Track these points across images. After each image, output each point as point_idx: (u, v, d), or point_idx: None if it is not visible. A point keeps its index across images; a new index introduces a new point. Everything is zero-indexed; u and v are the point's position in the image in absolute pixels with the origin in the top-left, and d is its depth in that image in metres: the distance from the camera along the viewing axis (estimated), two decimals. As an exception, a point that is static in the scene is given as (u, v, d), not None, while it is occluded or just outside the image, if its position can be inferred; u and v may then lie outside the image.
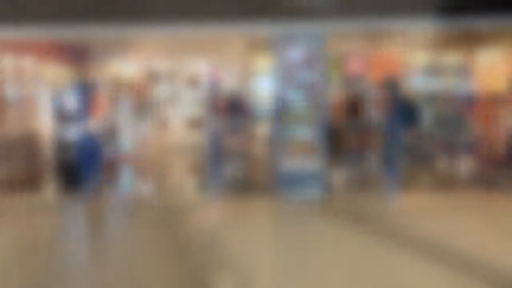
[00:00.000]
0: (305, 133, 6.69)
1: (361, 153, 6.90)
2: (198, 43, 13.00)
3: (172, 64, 13.63)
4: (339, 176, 6.98)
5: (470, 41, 8.90)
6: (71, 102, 7.97)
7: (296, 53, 6.62)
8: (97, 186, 6.33)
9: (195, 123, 13.24)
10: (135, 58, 13.41)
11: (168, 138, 12.20)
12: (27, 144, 9.87)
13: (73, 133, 7.93)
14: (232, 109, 8.21)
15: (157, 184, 8.09)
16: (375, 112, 6.73)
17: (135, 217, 6.24)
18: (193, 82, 13.69)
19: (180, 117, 13.41)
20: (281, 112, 6.65)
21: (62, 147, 7.86)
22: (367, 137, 6.97)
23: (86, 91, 7.88)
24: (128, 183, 8.17)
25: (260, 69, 14.23)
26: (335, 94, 7.91)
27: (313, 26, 6.52)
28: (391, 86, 6.93)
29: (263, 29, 6.61)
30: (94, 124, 6.33)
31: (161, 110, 12.03)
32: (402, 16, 6.45)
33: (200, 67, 13.72)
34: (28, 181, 7.59)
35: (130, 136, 9.44)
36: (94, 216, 6.21)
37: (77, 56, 13.36)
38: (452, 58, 10.16)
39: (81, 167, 6.18)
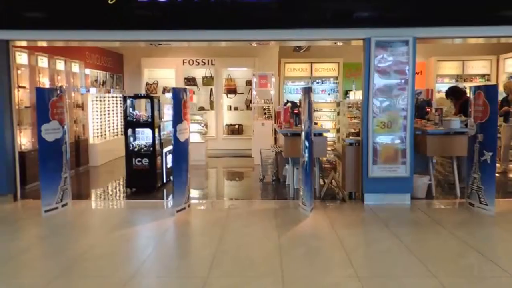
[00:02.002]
0: (393, 138, 6.56)
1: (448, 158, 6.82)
2: (234, 49, 12.92)
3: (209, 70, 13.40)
4: (425, 182, 6.85)
5: None
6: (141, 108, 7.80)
7: (387, 58, 6.48)
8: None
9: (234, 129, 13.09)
10: (173, 64, 13.20)
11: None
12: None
13: (146, 137, 7.71)
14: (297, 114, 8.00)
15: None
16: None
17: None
18: (231, 88, 13.53)
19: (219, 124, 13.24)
20: (371, 118, 6.49)
21: (132, 152, 7.63)
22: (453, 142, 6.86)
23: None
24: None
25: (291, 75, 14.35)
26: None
27: (403, 31, 6.41)
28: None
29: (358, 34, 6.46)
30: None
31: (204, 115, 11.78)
32: None
33: (237, 73, 13.59)
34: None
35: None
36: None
37: (116, 61, 13.13)
38: None
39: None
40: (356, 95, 12.88)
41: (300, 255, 4.53)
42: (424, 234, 5.20)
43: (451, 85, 9.97)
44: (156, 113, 7.68)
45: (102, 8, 6.32)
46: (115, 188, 8.52)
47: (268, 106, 11.63)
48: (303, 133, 6.08)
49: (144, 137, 7.73)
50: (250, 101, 13.37)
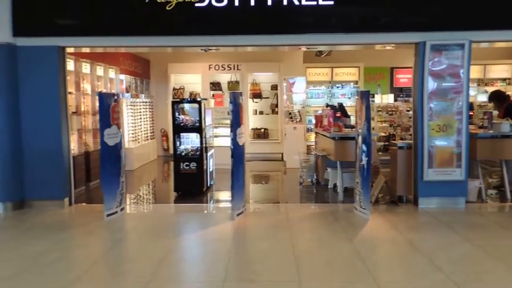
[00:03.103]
0: (448, 142, 6.47)
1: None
2: (259, 54, 12.87)
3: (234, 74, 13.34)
4: (476, 185, 6.76)
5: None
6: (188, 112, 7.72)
7: (441, 61, 6.41)
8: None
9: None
10: (199, 69, 13.14)
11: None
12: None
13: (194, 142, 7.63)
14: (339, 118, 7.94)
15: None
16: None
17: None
18: (256, 92, 13.46)
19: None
20: (426, 121, 6.41)
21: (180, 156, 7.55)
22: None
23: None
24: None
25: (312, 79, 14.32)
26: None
27: (458, 34, 6.33)
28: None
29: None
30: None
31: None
32: None
33: (262, 77, 13.53)
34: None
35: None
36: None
37: (144, 67, 13.07)
38: None
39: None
40: (383, 99, 12.85)
41: (382, 259, 4.45)
42: (496, 238, 5.09)
43: (472, 89, 9.91)
44: (202, 117, 7.61)
45: (160, 15, 6.27)
46: (161, 192, 8.46)
47: (298, 110, 11.56)
48: (359, 137, 6.01)
49: (188, 141, 7.64)
50: (276, 105, 13.32)
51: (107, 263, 4.48)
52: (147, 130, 11.78)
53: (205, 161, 7.60)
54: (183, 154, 7.52)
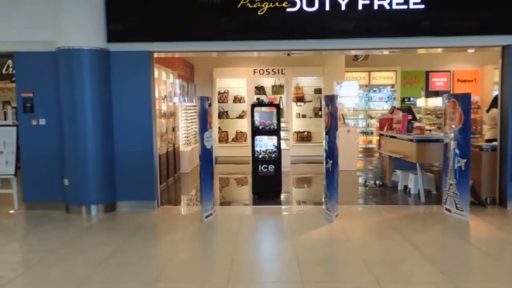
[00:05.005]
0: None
1: None
2: (303, 58, 12.82)
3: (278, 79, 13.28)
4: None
5: None
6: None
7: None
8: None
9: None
10: (244, 73, 13.09)
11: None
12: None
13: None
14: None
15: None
16: None
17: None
18: (299, 96, 13.40)
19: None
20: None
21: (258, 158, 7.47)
22: None
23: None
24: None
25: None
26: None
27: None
28: None
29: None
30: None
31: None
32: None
33: (304, 81, 13.47)
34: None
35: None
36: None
37: (189, 71, 13.03)
38: None
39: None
40: (428, 102, 12.78)
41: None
42: None
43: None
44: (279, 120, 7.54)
45: (252, 20, 6.22)
46: (235, 193, 8.39)
47: (342, 114, 11.48)
48: (451, 141, 5.94)
49: (262, 144, 7.56)
50: (320, 109, 13.25)
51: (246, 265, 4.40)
52: (195, 133, 11.74)
53: (282, 163, 7.54)
54: (260, 156, 7.45)
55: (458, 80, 14.50)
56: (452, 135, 5.98)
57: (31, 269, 4.25)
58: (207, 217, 5.84)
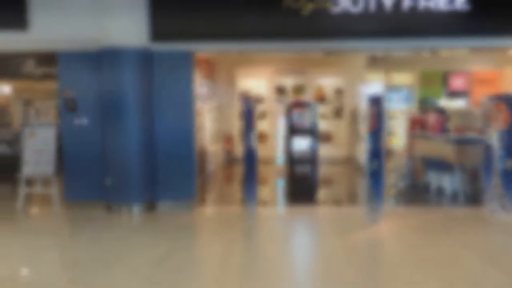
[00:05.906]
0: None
1: None
2: (324, 59, 12.76)
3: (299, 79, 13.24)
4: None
5: None
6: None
7: None
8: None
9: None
10: (265, 73, 13.04)
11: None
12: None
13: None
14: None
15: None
16: None
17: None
18: (320, 96, 13.34)
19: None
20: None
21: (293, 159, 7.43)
22: None
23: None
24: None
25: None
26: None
27: None
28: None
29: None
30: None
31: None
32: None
33: (326, 82, 13.42)
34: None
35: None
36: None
37: (210, 71, 12.98)
38: None
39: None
40: (450, 103, 12.71)
41: None
42: None
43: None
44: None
45: (296, 20, 6.18)
46: (270, 193, 8.34)
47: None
48: (495, 142, 5.89)
49: (302, 144, 7.51)
50: (340, 109, 13.20)
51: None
52: (218, 133, 11.70)
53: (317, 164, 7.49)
54: (295, 157, 7.40)
55: (478, 80, 14.42)
56: (496, 136, 5.93)
57: (93, 269, 4.20)
58: (251, 217, 5.80)
